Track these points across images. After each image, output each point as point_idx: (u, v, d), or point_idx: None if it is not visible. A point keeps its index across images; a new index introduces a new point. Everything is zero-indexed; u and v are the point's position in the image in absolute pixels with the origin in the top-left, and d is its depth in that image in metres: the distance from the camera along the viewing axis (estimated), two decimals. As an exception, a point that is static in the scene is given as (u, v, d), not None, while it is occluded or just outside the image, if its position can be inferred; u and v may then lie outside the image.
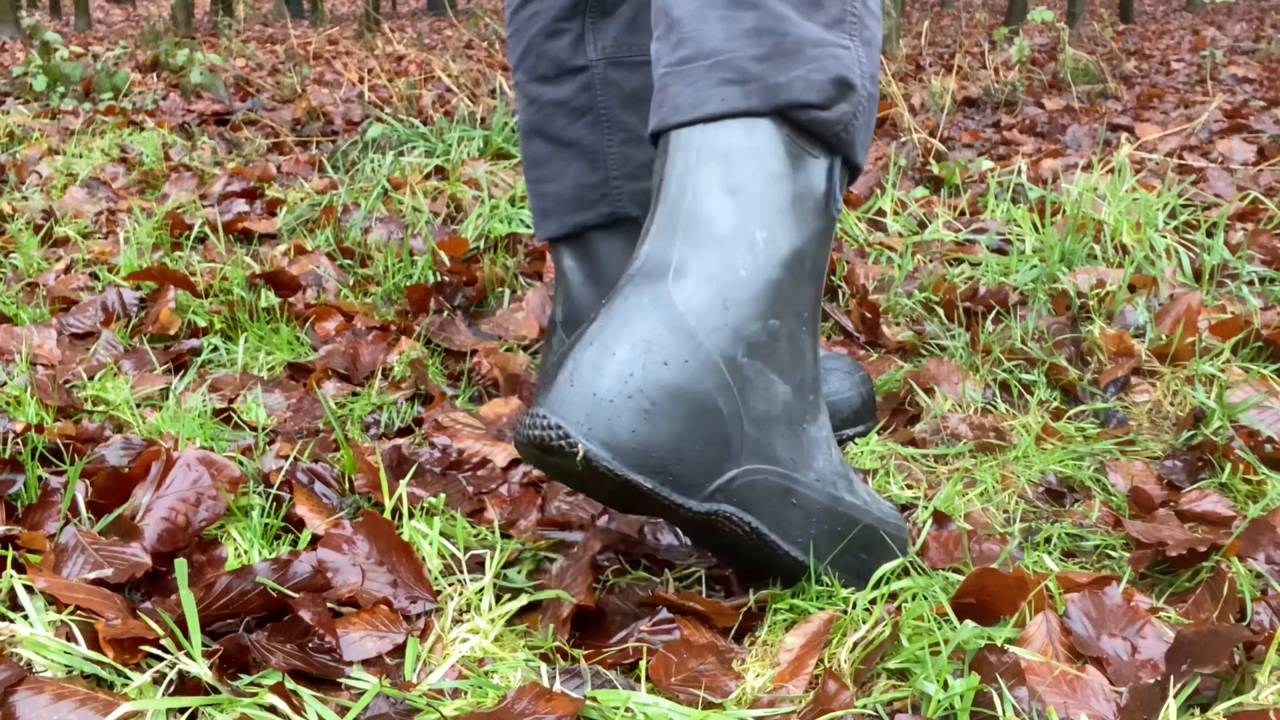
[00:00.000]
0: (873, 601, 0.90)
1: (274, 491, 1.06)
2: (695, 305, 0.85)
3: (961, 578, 0.92)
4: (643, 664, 0.83)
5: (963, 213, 2.19)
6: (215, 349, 1.54)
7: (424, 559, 0.96)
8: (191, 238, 2.09)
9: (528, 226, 2.08)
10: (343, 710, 0.78)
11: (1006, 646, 0.80)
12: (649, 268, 0.87)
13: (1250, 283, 1.75)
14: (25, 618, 0.83)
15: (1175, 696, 0.77)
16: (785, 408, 0.88)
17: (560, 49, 1.27)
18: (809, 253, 0.89)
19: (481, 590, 0.92)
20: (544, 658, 0.86)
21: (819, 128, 0.89)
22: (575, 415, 0.82)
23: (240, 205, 2.35)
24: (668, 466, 0.83)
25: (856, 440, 1.26)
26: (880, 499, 0.97)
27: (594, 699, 0.77)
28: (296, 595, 0.85)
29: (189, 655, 0.78)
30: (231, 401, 1.36)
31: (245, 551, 0.98)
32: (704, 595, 0.94)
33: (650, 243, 0.88)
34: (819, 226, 0.90)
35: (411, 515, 1.04)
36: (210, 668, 0.78)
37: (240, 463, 1.14)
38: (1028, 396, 1.36)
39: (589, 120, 1.28)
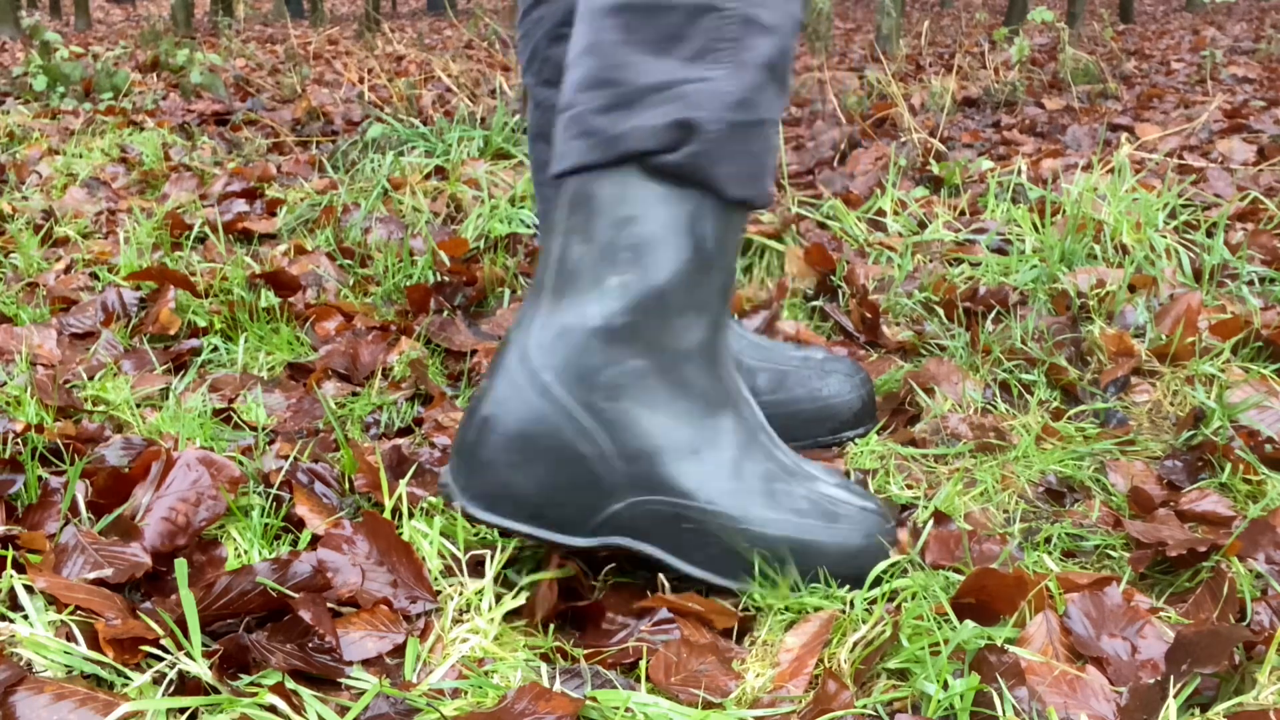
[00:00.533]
0: (873, 601, 0.90)
1: (274, 491, 1.06)
2: (551, 359, 0.88)
3: (961, 578, 0.92)
4: (643, 664, 0.83)
5: (963, 213, 2.19)
6: (215, 349, 1.54)
7: (424, 559, 0.96)
8: (191, 238, 2.09)
9: (528, 226, 2.08)
10: (343, 710, 0.78)
11: (1006, 646, 0.80)
12: (520, 322, 0.91)
13: (1250, 283, 1.75)
14: (25, 618, 0.83)
15: (1175, 696, 0.77)
16: (671, 439, 0.90)
17: (563, 54, 1.27)
18: (674, 288, 0.89)
19: (481, 590, 0.92)
20: (544, 657, 0.86)
21: (670, 170, 0.88)
22: (458, 476, 0.91)
23: (240, 205, 2.34)
24: (541, 512, 0.89)
25: (856, 441, 1.26)
26: (841, 500, 0.96)
27: (594, 699, 0.77)
28: (296, 595, 0.85)
29: (189, 655, 0.78)
30: (231, 401, 1.36)
31: (245, 551, 0.98)
32: (704, 596, 0.94)
33: (526, 298, 0.93)
34: (686, 263, 0.89)
35: (411, 515, 1.04)
36: (210, 668, 0.78)
37: (240, 463, 1.14)
38: (1028, 396, 1.36)
39: None
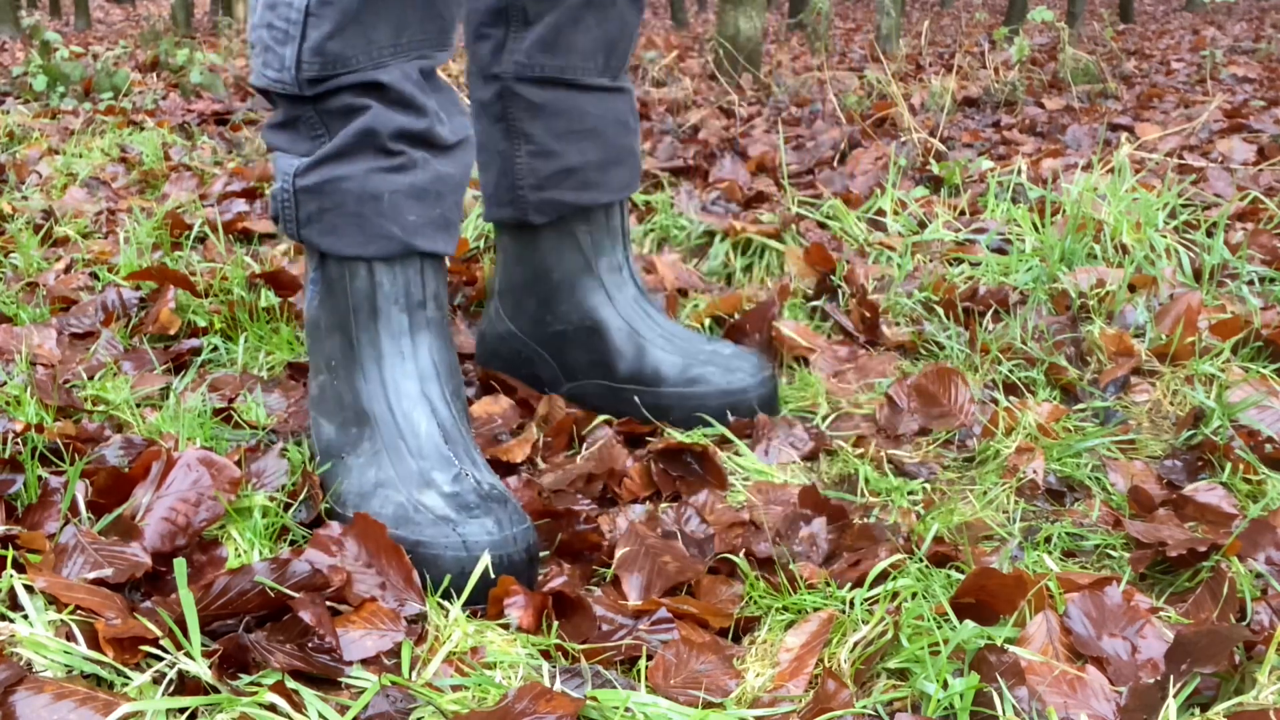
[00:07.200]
0: (873, 601, 0.90)
1: (273, 492, 1.06)
2: None
3: (961, 577, 0.92)
4: (642, 664, 0.83)
5: (963, 212, 2.19)
6: (215, 349, 1.54)
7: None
8: (191, 238, 2.09)
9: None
10: (343, 709, 0.78)
11: (1006, 646, 0.80)
12: None
13: (1250, 282, 1.75)
14: (25, 618, 0.83)
15: (1175, 696, 0.77)
16: (329, 443, 1.09)
17: (484, 53, 1.30)
18: (315, 319, 1.13)
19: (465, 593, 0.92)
20: (544, 655, 0.86)
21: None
22: None
23: (240, 205, 2.34)
24: None
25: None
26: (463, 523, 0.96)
27: (594, 699, 0.77)
28: (296, 595, 0.85)
29: (189, 655, 0.78)
30: (231, 401, 1.36)
31: (245, 551, 0.98)
32: (700, 596, 0.94)
33: None
34: (313, 293, 1.13)
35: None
36: (210, 667, 0.78)
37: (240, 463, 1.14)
38: (1028, 396, 1.36)
39: (502, 127, 1.30)
